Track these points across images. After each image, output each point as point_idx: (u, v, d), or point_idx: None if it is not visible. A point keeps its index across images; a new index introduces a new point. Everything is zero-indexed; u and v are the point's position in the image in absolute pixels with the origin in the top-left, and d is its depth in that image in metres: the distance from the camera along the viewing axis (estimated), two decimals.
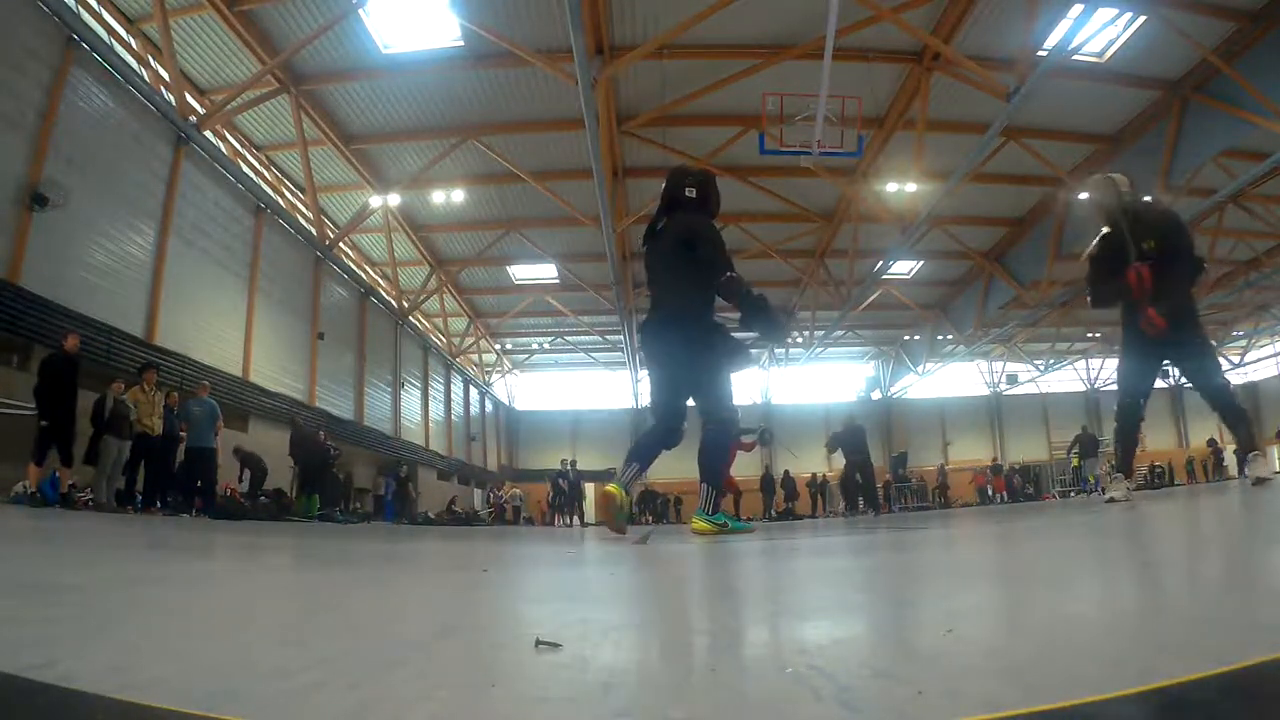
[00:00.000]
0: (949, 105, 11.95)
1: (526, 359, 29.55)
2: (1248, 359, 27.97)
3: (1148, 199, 4.40)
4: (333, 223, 15.52)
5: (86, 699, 0.58)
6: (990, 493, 23.08)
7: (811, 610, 1.17)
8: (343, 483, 14.05)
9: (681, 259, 3.60)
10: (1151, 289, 3.99)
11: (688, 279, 3.59)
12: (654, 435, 3.70)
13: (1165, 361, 4.30)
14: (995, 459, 26.22)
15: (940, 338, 24.08)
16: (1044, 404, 30.29)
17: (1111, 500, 4.33)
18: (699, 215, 3.68)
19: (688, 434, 3.73)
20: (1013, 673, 0.64)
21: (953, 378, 29.09)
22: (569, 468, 19.00)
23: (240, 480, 10.66)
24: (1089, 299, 4.56)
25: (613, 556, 2.73)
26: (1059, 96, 11.59)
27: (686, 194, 3.71)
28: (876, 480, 13.63)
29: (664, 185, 3.84)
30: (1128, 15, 10.01)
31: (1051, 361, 26.42)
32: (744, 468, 25.43)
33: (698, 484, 3.75)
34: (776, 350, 26.58)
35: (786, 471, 21.83)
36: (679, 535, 4.64)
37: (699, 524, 3.60)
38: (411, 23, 10.42)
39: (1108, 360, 28.90)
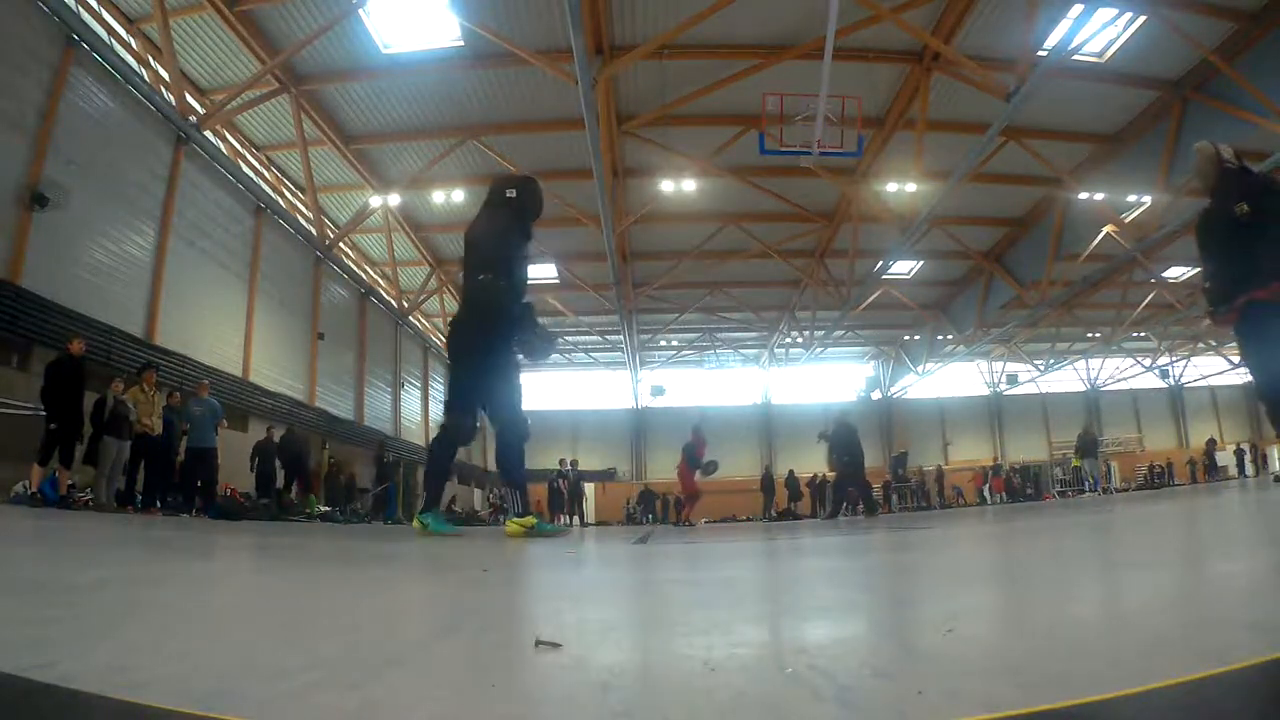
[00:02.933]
0: (949, 105, 11.94)
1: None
2: None
3: (1238, 164, 4.22)
4: (333, 223, 15.50)
5: (86, 699, 0.58)
6: (989, 493, 23.07)
7: (811, 610, 1.17)
8: (344, 484, 14.05)
9: (469, 263, 3.79)
10: (1241, 303, 3.78)
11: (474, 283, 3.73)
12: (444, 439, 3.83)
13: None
14: (996, 459, 26.18)
15: (940, 338, 24.05)
16: (1044, 404, 30.27)
17: (1278, 479, 4.37)
18: (493, 220, 3.80)
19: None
20: (1012, 673, 0.64)
21: (953, 378, 29.06)
22: (569, 468, 18.96)
23: (252, 469, 10.73)
24: (1208, 300, 4.12)
25: (612, 557, 2.73)
26: (1059, 96, 11.56)
27: (506, 195, 3.86)
28: (875, 480, 13.41)
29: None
30: (1128, 15, 9.99)
31: (1051, 361, 26.41)
32: (743, 468, 25.62)
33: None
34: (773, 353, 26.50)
35: (791, 471, 21.83)
36: (678, 536, 4.64)
37: (509, 526, 3.68)
38: (411, 23, 10.41)
39: (1108, 360, 28.89)
